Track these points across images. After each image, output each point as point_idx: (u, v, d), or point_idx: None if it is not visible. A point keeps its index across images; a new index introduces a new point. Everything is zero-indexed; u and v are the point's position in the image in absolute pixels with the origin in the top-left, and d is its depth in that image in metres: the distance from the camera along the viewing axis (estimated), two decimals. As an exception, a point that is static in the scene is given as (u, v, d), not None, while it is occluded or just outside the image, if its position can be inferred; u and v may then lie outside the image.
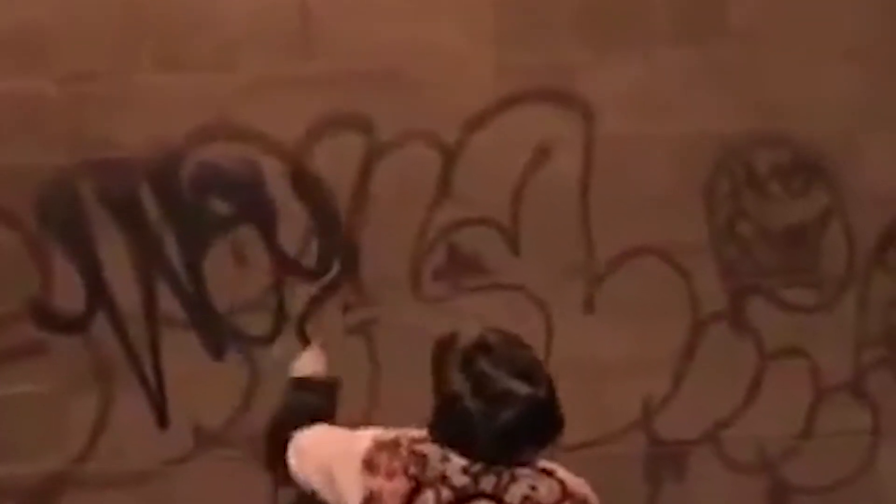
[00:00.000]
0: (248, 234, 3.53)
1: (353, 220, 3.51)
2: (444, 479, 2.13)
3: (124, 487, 3.59)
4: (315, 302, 3.53)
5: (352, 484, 2.23)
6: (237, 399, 3.56)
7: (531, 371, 2.11)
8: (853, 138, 3.45)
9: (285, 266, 3.52)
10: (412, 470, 2.16)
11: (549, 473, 2.15)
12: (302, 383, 2.86)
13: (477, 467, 2.12)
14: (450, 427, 2.14)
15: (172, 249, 3.53)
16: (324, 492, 2.35)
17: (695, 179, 3.48)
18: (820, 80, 3.45)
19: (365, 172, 3.49)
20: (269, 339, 3.55)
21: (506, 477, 2.12)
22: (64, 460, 3.57)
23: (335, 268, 3.46)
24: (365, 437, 2.28)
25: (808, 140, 3.45)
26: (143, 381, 3.56)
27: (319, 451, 2.39)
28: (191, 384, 3.55)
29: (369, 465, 2.21)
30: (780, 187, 3.48)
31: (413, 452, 2.18)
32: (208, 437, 3.57)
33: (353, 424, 2.44)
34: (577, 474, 3.44)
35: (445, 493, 2.13)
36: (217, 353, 3.56)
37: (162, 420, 3.57)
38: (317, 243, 3.52)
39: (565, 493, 2.14)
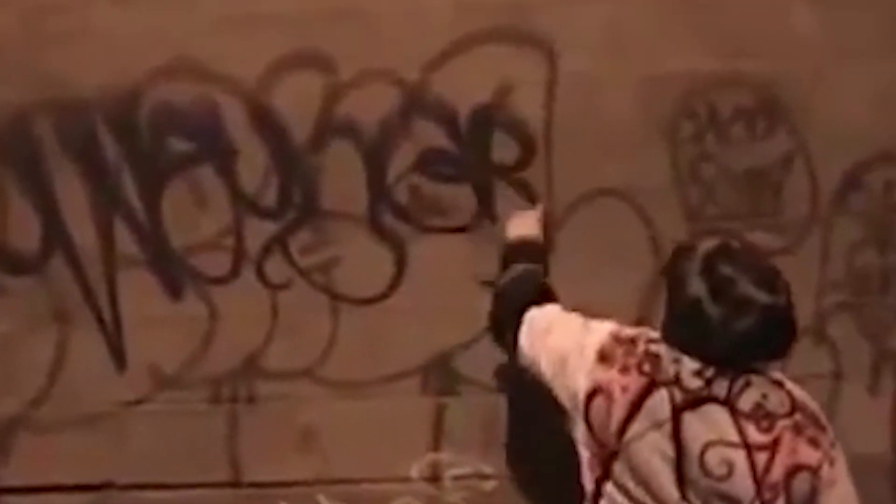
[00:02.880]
0: (206, 174, 3.55)
1: (313, 159, 3.49)
2: (677, 380, 2.15)
3: (81, 429, 3.64)
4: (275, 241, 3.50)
5: (584, 372, 2.29)
6: (196, 341, 3.60)
7: (772, 279, 2.15)
8: (817, 78, 3.47)
9: (244, 205, 3.50)
10: (646, 368, 2.24)
11: (779, 384, 2.20)
12: (524, 249, 2.90)
13: (710, 371, 2.18)
14: (686, 330, 2.18)
15: (130, 189, 3.56)
16: (553, 377, 2.40)
17: (658, 121, 3.46)
18: (784, 19, 3.45)
19: (325, 111, 3.45)
20: (228, 280, 3.52)
21: (739, 383, 2.17)
22: (20, 402, 3.64)
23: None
24: (603, 329, 2.37)
25: (771, 80, 3.45)
26: (100, 322, 3.61)
27: (554, 337, 2.45)
28: (148, 325, 3.60)
29: (605, 357, 2.29)
30: (744, 129, 3.45)
31: (647, 352, 2.21)
32: (166, 380, 3.61)
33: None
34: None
35: (678, 395, 2.18)
36: (175, 293, 3.57)
37: (119, 362, 3.62)
38: (276, 183, 3.52)
39: (794, 404, 2.18)
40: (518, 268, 2.77)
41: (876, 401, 3.59)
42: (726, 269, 2.11)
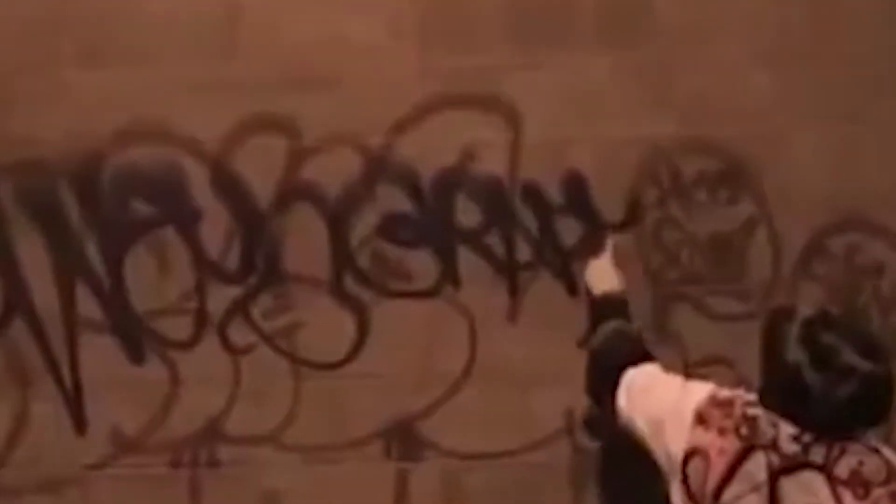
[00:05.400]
0: (169, 237, 3.59)
1: (276, 223, 3.52)
2: (774, 444, 2.19)
3: (42, 493, 3.64)
4: (237, 306, 3.50)
5: (680, 434, 2.30)
6: (157, 405, 3.61)
7: (874, 347, 2.17)
8: (778, 143, 3.53)
9: (207, 269, 3.51)
10: (744, 431, 2.23)
11: (876, 451, 2.19)
12: (612, 304, 2.90)
13: (807, 437, 2.18)
14: (784, 396, 2.19)
15: (93, 251, 3.59)
16: (650, 438, 2.42)
17: (621, 185, 3.45)
18: (742, 84, 3.51)
19: (288, 175, 3.48)
20: (190, 344, 3.52)
21: (836, 449, 2.17)
22: (-20, 467, 3.57)
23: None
24: (701, 390, 2.38)
25: (733, 145, 3.51)
26: (61, 385, 3.63)
27: (651, 397, 2.46)
28: (109, 389, 3.61)
29: (702, 419, 2.29)
30: (707, 194, 3.47)
31: (745, 415, 2.24)
32: (127, 444, 3.62)
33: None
34: (501, 482, 3.48)
35: (775, 459, 2.19)
36: (137, 357, 3.58)
37: (80, 426, 3.61)
38: (239, 246, 3.55)
39: (891, 472, 2.17)
40: (610, 326, 2.79)
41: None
42: (828, 337, 2.14)
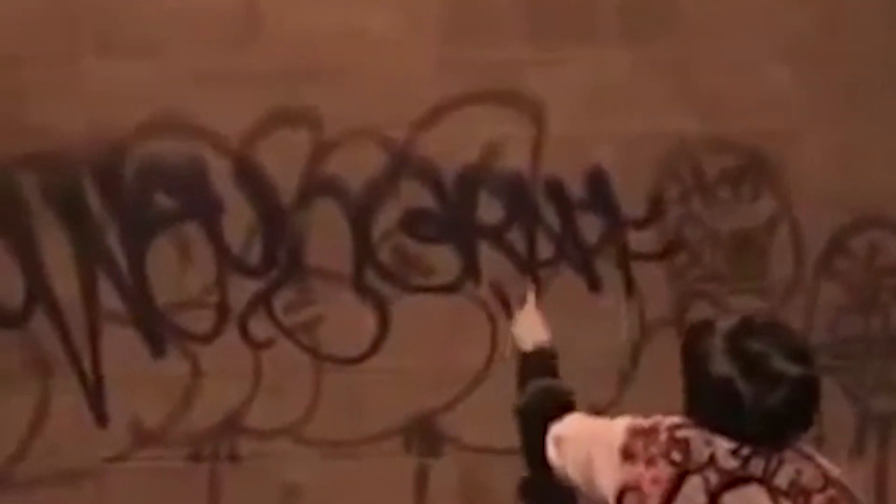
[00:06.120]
0: (191, 230, 3.59)
1: (298, 217, 3.53)
2: (711, 462, 2.17)
3: (60, 485, 3.64)
4: (259, 299, 3.51)
5: (610, 474, 2.28)
6: (177, 398, 3.62)
7: (801, 350, 2.15)
8: (797, 140, 3.54)
9: (228, 262, 3.51)
10: (675, 456, 2.21)
11: (810, 458, 2.19)
12: (541, 359, 2.86)
13: (746, 450, 2.16)
14: (717, 411, 2.16)
15: (115, 244, 3.59)
16: (582, 483, 2.41)
17: (643, 182, 3.46)
18: (765, 81, 3.53)
19: (310, 169, 3.49)
20: (211, 337, 3.53)
21: (774, 461, 2.16)
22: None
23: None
24: (620, 426, 2.34)
25: (753, 141, 3.53)
26: (82, 377, 3.63)
27: (578, 442, 2.45)
28: (130, 382, 3.61)
29: (628, 454, 2.26)
30: (730, 191, 3.48)
31: (673, 438, 2.22)
32: (147, 436, 3.63)
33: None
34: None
35: (713, 477, 2.17)
36: (158, 350, 3.60)
37: (100, 418, 3.62)
38: (261, 240, 3.55)
39: (827, 479, 2.17)
40: (539, 384, 2.78)
41: (859, 464, 3.62)
42: (755, 345, 2.11)
